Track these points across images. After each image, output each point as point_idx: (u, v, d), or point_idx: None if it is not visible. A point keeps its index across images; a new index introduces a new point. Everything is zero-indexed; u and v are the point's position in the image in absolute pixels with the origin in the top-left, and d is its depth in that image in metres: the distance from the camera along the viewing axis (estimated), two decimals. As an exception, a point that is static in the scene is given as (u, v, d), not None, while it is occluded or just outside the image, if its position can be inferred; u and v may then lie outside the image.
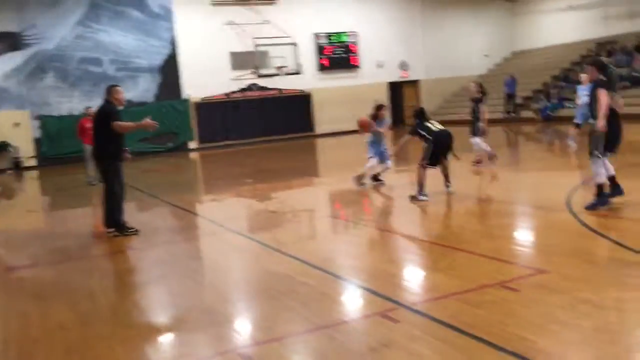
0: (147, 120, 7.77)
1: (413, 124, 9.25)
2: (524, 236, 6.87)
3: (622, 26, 26.85)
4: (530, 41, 31.36)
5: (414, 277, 5.54)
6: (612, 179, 7.03)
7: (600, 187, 7.00)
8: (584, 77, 12.63)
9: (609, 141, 6.85)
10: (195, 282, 5.90)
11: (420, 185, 8.74)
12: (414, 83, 30.02)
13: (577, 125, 13.12)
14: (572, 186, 8.73)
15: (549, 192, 8.76)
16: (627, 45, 24.91)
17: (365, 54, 28.58)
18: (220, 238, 7.91)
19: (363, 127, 10.39)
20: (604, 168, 6.92)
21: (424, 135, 8.88)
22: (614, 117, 6.84)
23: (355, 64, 28.57)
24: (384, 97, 27.24)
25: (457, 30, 30.84)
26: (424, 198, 8.67)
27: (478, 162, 11.77)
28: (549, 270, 5.01)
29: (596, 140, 6.87)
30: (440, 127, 8.99)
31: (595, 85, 7.01)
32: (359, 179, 10.55)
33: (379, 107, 10.61)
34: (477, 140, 11.71)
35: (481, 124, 11.55)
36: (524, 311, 4.23)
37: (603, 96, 6.73)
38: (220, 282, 5.89)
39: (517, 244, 6.50)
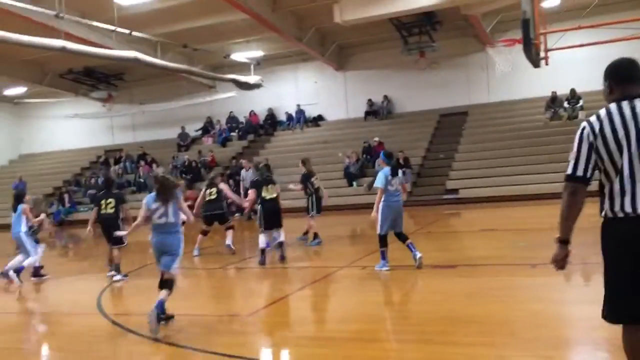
0: None
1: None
2: (64, 346, 6.50)
3: (126, 136, 29.39)
4: (39, 145, 30.87)
5: None
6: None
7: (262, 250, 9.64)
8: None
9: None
10: None
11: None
12: None
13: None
14: (100, 289, 8.82)
15: (77, 297, 8.62)
16: (132, 154, 27.28)
17: None
18: None
19: None
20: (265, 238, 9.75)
21: None
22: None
23: None
24: None
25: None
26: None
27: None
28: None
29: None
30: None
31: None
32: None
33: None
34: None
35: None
36: None
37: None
38: None
39: (58, 355, 6.10)
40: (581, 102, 21.15)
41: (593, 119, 3.26)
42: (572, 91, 21.29)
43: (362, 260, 9.65)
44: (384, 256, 8.36)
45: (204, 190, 11.54)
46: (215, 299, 8.18)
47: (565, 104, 21.41)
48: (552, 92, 21.45)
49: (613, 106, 3.23)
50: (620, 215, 3.15)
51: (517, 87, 22.37)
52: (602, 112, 3.25)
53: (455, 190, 19.56)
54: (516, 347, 4.80)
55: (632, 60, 3.36)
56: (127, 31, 14.69)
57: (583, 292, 7.01)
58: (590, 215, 12.03)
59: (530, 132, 21.06)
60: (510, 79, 20.33)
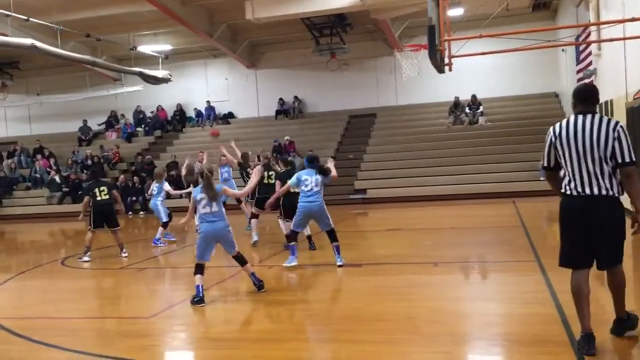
0: None
1: None
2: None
3: (22, 128, 27.65)
4: None
5: None
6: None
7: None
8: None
9: None
10: None
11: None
12: None
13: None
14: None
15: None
16: (28, 147, 25.68)
17: None
18: None
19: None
20: None
21: None
22: None
23: None
24: None
25: None
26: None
27: None
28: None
29: None
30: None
31: None
32: None
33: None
34: None
35: None
36: None
37: None
38: None
39: None
40: (481, 108, 22.22)
41: (557, 125, 4.51)
42: (473, 97, 22.32)
43: (270, 259, 9.60)
44: (293, 251, 8.58)
45: (260, 169, 10.93)
46: (115, 300, 7.84)
47: (467, 110, 22.42)
48: (455, 98, 22.38)
49: (572, 117, 4.46)
50: (568, 193, 4.44)
51: (423, 91, 23.17)
52: (564, 120, 4.49)
53: (363, 190, 19.93)
54: (418, 344, 4.94)
55: (591, 87, 4.74)
56: (24, 17, 13.80)
57: (480, 289, 7.35)
58: (485, 216, 12.77)
59: (435, 135, 21.86)
60: (417, 83, 21.00)
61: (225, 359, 4.92)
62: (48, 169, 23.75)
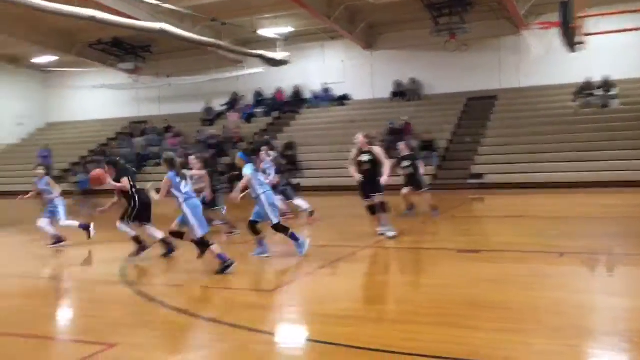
0: None
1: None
2: (88, 312, 6.60)
3: (151, 108, 29.53)
4: (66, 114, 31.17)
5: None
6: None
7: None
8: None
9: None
10: None
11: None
12: None
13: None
14: (124, 258, 8.92)
15: (102, 266, 8.74)
16: (157, 126, 27.43)
17: None
18: None
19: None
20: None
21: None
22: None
23: None
24: None
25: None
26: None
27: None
28: (118, 342, 4.97)
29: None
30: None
31: None
32: None
33: None
34: None
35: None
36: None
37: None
38: None
39: (82, 320, 6.20)
40: (614, 91, 20.61)
41: None
42: (606, 78, 20.78)
43: (385, 241, 9.60)
44: (262, 243, 8.48)
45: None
46: (241, 274, 8.21)
47: (598, 92, 20.90)
48: (586, 79, 20.93)
49: None
50: None
51: (549, 72, 21.90)
52: None
53: (480, 175, 19.33)
54: (542, 335, 4.74)
55: None
56: (157, 2, 14.67)
57: (608, 283, 6.91)
58: (616, 206, 11.96)
59: (561, 119, 20.63)
60: (542, 63, 19.92)
61: (342, 336, 5.00)
62: (175, 147, 25.23)
